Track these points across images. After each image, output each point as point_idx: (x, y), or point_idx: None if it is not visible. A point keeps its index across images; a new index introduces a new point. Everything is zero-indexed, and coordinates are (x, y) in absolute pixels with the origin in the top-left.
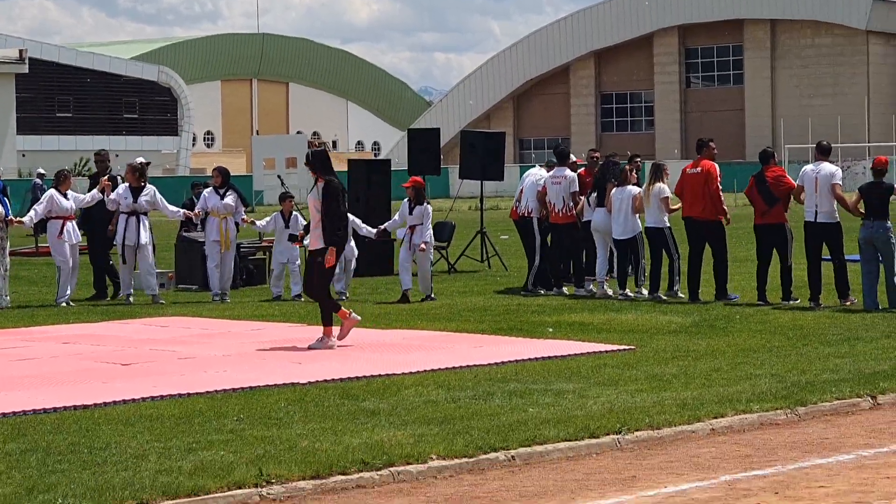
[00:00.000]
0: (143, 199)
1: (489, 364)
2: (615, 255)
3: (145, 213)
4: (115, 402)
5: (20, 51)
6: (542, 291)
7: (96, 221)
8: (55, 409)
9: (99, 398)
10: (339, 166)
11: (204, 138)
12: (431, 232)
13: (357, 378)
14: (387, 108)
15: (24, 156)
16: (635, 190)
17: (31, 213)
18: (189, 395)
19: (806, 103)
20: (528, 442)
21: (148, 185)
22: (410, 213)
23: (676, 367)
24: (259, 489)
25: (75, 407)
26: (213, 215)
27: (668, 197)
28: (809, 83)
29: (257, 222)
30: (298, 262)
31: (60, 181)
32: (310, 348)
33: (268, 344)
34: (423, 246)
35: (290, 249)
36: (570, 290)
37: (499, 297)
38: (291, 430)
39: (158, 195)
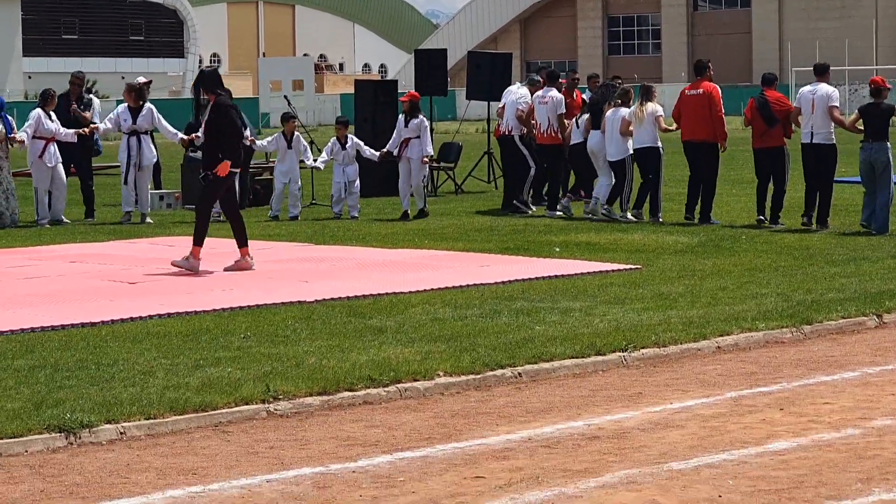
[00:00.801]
0: (140, 119)
1: (496, 283)
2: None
3: (146, 133)
4: (122, 320)
5: None
6: (526, 208)
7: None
8: (62, 327)
9: (106, 316)
10: (346, 88)
11: (210, 60)
12: (431, 145)
13: (364, 296)
14: (393, 30)
15: (30, 77)
16: (625, 111)
17: (24, 133)
18: (196, 312)
19: (813, 26)
20: (534, 359)
21: (146, 105)
22: (406, 125)
23: (682, 286)
24: (266, 405)
25: (82, 324)
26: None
27: (661, 116)
28: (817, 6)
29: (258, 141)
30: (300, 182)
31: (46, 101)
32: (174, 264)
33: (274, 263)
34: (425, 158)
35: (292, 170)
36: (540, 211)
37: (505, 216)
38: (298, 348)
39: (157, 114)
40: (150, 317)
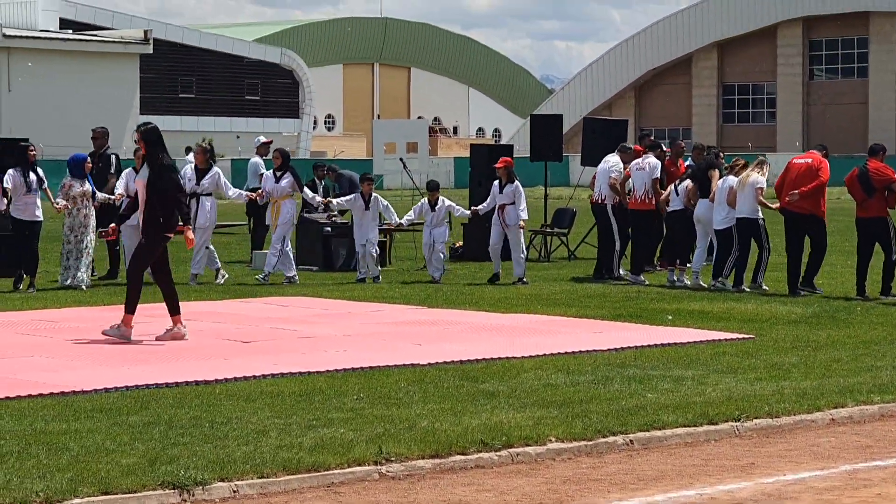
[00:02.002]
0: (206, 181)
1: (609, 349)
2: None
3: (208, 195)
4: (235, 378)
5: (145, 31)
6: (627, 276)
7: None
8: (177, 384)
9: (220, 374)
10: (460, 151)
11: (325, 121)
12: (526, 210)
13: (477, 360)
14: (508, 94)
15: None
16: (733, 180)
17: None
18: (309, 373)
19: None
20: (646, 426)
21: (213, 167)
22: (501, 191)
23: (796, 356)
24: (379, 467)
25: (197, 382)
26: (270, 198)
27: (762, 188)
28: None
29: (333, 200)
30: (376, 245)
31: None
32: (104, 333)
33: (387, 325)
34: (521, 223)
35: (370, 231)
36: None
37: (618, 284)
38: (411, 410)
39: (222, 178)
40: (264, 376)
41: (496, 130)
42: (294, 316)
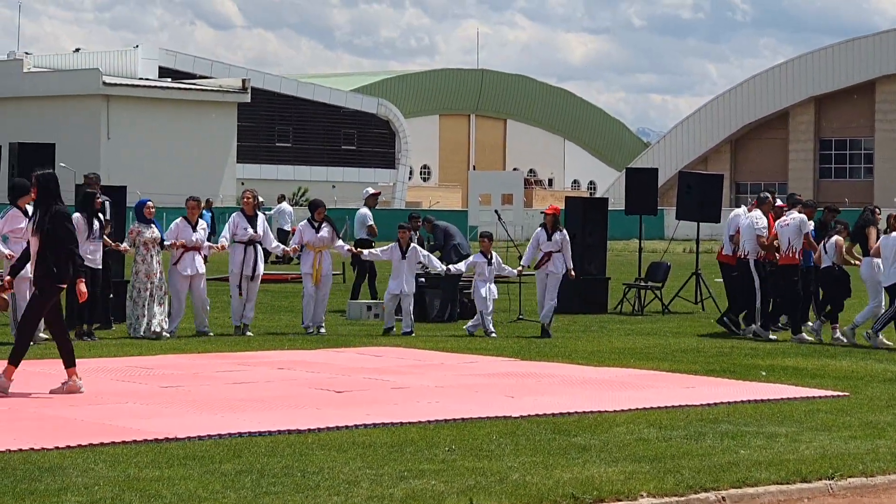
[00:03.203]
0: (258, 227)
1: (701, 405)
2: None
3: (260, 243)
4: (328, 428)
5: (243, 80)
6: (768, 334)
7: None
8: (269, 433)
9: (312, 423)
10: (557, 203)
11: (420, 172)
12: (571, 260)
13: (569, 413)
14: (603, 147)
15: (242, 184)
16: None
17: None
18: (402, 423)
19: None
20: (739, 483)
21: (259, 215)
22: (549, 239)
23: (892, 415)
24: None
25: (289, 431)
26: (309, 248)
27: None
28: None
29: (367, 252)
30: (412, 297)
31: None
32: (52, 392)
33: (480, 377)
34: (572, 273)
35: (405, 282)
36: (784, 336)
37: (712, 338)
38: (502, 463)
39: (266, 225)
40: (356, 426)
41: (591, 183)
42: (387, 366)
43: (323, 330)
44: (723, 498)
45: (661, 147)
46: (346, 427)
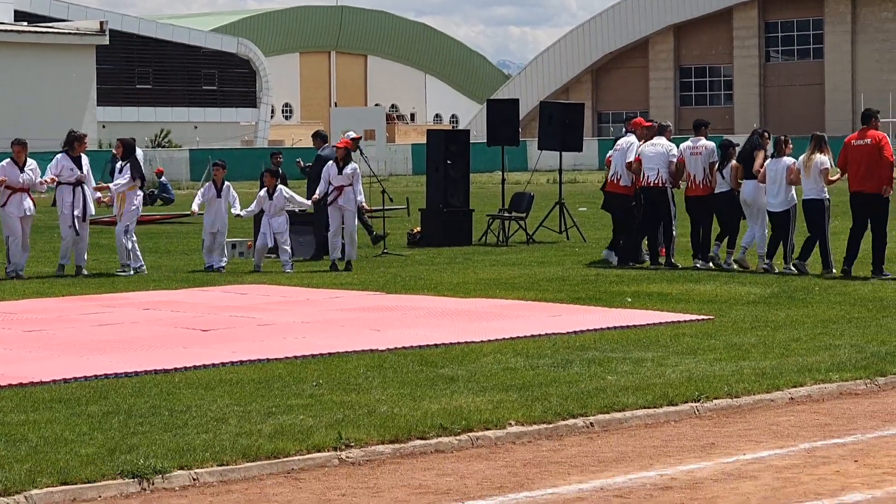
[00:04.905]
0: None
1: (568, 332)
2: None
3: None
4: (195, 367)
5: (101, 22)
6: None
7: None
8: (136, 373)
9: (179, 363)
10: (418, 138)
11: (282, 110)
12: (363, 193)
13: (436, 345)
14: (465, 81)
15: (104, 127)
16: (790, 160)
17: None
18: (268, 360)
19: (886, 77)
20: (606, 409)
21: (83, 157)
22: (339, 173)
23: (755, 336)
24: (338, 452)
25: (156, 371)
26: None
27: (828, 168)
28: (890, 58)
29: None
30: (226, 234)
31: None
32: None
33: (346, 311)
34: (365, 205)
35: (220, 219)
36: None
37: (577, 267)
38: (370, 396)
39: (90, 167)
40: (223, 364)
41: (453, 116)
42: (253, 304)
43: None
44: (591, 423)
45: (522, 78)
46: (213, 365)
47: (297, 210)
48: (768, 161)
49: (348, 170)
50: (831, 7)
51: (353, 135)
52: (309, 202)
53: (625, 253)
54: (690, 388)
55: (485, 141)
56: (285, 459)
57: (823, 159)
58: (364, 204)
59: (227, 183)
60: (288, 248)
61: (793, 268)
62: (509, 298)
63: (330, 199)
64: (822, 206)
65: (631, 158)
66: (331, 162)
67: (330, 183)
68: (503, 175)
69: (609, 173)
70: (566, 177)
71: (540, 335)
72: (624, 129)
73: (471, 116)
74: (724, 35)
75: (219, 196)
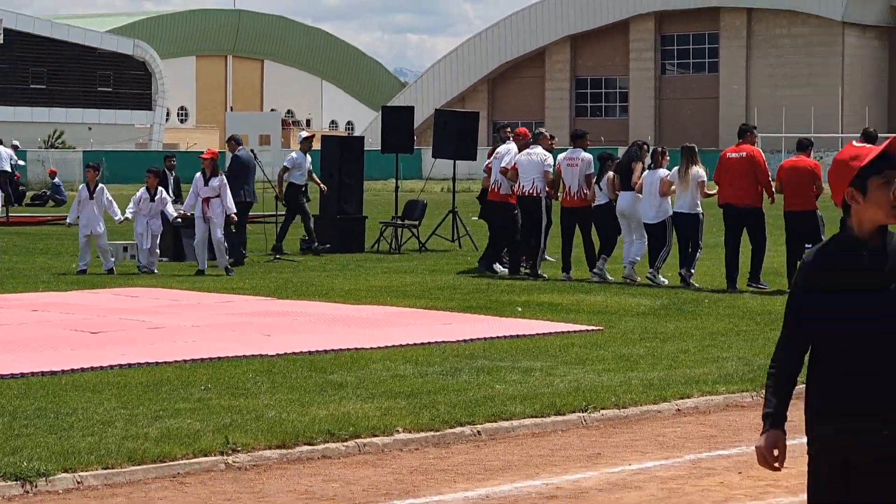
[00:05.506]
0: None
1: (457, 341)
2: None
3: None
4: (82, 369)
5: None
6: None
7: None
8: (22, 375)
9: (67, 365)
10: (314, 144)
11: (178, 113)
12: (232, 202)
13: (325, 351)
14: (361, 87)
15: None
16: (664, 172)
17: None
18: (157, 363)
19: (780, 93)
20: (494, 417)
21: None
22: (206, 184)
23: (644, 347)
24: (225, 457)
25: (42, 373)
26: None
27: (704, 181)
28: (784, 73)
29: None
30: (104, 235)
31: None
32: None
33: (237, 316)
34: (234, 216)
35: (94, 222)
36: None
37: (469, 276)
38: (258, 401)
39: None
40: (111, 367)
41: (349, 123)
42: (144, 307)
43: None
44: (478, 431)
45: (419, 86)
46: (101, 368)
47: (174, 215)
48: (645, 173)
49: (215, 182)
50: (727, 21)
51: (304, 134)
52: (175, 214)
53: (513, 261)
54: (578, 398)
55: (379, 148)
56: (171, 463)
57: (700, 172)
58: (234, 215)
59: (101, 185)
60: (157, 249)
61: (662, 279)
62: (400, 306)
63: (197, 209)
64: (697, 221)
65: (505, 164)
66: (198, 174)
67: (198, 194)
68: (397, 182)
69: (490, 182)
70: (460, 185)
71: (430, 343)
72: (500, 137)
73: (367, 123)
74: (620, 47)
75: (91, 198)
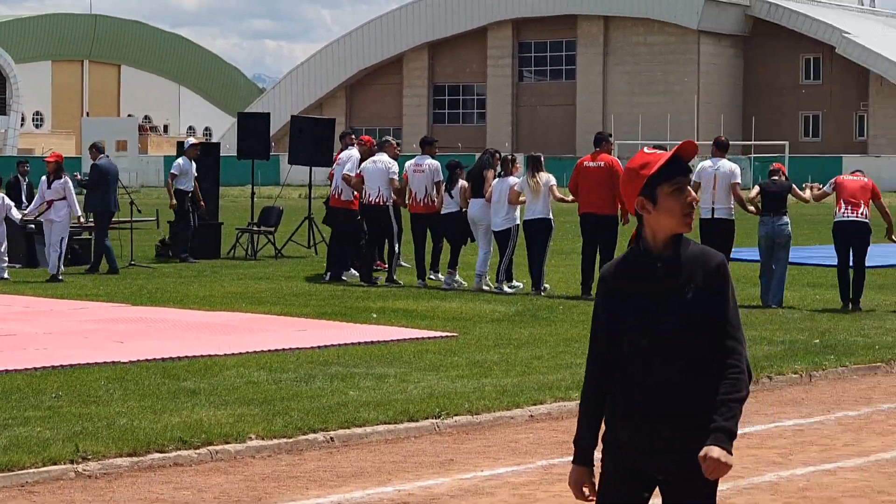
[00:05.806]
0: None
1: (312, 347)
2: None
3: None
4: None
5: None
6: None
7: None
8: None
9: None
10: (170, 150)
11: (33, 119)
12: (77, 206)
13: (179, 358)
14: (219, 93)
15: None
16: (514, 181)
17: None
18: (7, 371)
19: (637, 100)
20: (347, 424)
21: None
22: (49, 187)
23: (498, 354)
24: (75, 465)
25: None
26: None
27: (555, 185)
28: (641, 80)
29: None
30: (4, 245)
31: None
32: None
33: (90, 323)
34: (82, 219)
35: None
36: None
37: (324, 282)
38: (110, 408)
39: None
40: None
41: (207, 129)
42: (9, 313)
43: None
44: (331, 438)
45: (276, 92)
46: None
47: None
48: (496, 181)
49: (57, 185)
50: (584, 29)
51: (192, 140)
52: (19, 216)
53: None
54: (431, 405)
55: (235, 154)
56: (20, 472)
57: (549, 177)
58: (81, 218)
59: (1, 195)
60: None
61: (507, 288)
62: (256, 312)
63: (40, 213)
64: (549, 226)
65: (348, 171)
66: (44, 177)
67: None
68: (253, 189)
69: (331, 188)
70: (316, 192)
71: (284, 349)
72: (343, 144)
73: (225, 129)
74: (478, 54)
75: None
